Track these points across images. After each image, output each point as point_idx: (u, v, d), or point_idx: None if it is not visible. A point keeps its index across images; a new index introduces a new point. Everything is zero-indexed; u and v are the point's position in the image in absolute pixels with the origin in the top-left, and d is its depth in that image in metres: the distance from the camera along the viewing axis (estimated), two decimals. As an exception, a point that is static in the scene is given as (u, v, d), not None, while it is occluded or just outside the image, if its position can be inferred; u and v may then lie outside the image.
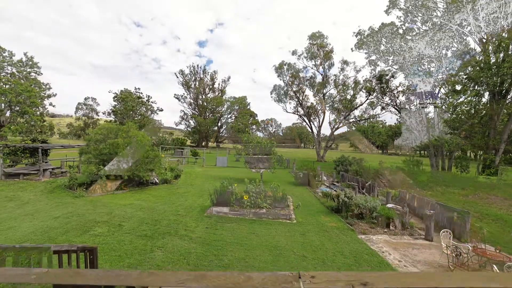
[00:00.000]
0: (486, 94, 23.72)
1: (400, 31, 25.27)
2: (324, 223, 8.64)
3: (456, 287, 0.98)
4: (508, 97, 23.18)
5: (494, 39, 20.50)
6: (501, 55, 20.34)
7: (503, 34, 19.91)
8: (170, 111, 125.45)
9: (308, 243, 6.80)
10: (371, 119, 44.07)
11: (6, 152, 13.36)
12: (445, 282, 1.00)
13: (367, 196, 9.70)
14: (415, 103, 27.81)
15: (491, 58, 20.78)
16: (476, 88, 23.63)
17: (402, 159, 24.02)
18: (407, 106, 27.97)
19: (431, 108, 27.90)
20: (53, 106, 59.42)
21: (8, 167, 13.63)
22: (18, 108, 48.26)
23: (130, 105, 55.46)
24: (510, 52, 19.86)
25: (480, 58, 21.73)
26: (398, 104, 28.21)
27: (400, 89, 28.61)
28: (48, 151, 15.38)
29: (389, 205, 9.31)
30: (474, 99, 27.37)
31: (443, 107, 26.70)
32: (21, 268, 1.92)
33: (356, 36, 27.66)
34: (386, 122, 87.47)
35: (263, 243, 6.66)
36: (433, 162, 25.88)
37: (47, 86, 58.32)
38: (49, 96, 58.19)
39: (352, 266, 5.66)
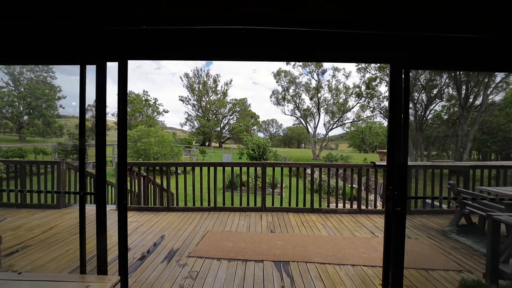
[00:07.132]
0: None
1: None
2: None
3: None
4: (476, 103, 26.71)
5: None
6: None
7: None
8: (171, 111, 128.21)
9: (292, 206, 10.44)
10: (368, 120, 47.34)
11: (60, 149, 16.94)
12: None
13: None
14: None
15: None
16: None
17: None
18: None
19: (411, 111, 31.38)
20: (63, 108, 63.26)
21: (60, 161, 17.24)
22: (35, 111, 51.97)
23: (138, 107, 59.03)
24: None
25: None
26: (381, 107, 31.76)
27: (386, 94, 32.09)
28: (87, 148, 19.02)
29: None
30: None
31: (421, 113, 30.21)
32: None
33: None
34: (384, 123, 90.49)
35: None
36: (411, 159, 29.41)
37: (58, 89, 62.17)
38: (59, 98, 61.93)
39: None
